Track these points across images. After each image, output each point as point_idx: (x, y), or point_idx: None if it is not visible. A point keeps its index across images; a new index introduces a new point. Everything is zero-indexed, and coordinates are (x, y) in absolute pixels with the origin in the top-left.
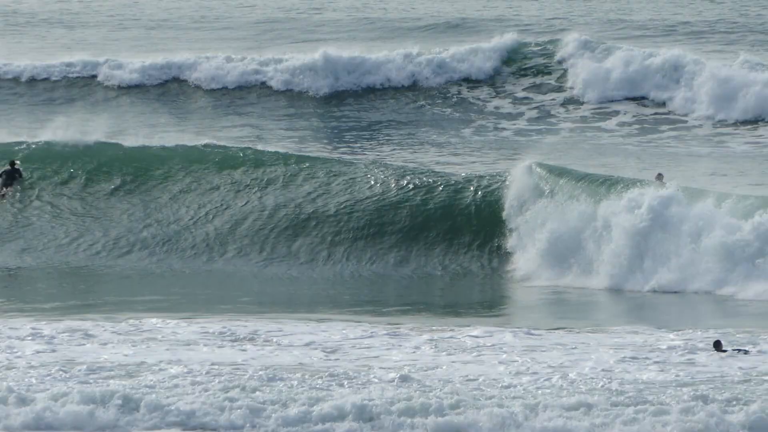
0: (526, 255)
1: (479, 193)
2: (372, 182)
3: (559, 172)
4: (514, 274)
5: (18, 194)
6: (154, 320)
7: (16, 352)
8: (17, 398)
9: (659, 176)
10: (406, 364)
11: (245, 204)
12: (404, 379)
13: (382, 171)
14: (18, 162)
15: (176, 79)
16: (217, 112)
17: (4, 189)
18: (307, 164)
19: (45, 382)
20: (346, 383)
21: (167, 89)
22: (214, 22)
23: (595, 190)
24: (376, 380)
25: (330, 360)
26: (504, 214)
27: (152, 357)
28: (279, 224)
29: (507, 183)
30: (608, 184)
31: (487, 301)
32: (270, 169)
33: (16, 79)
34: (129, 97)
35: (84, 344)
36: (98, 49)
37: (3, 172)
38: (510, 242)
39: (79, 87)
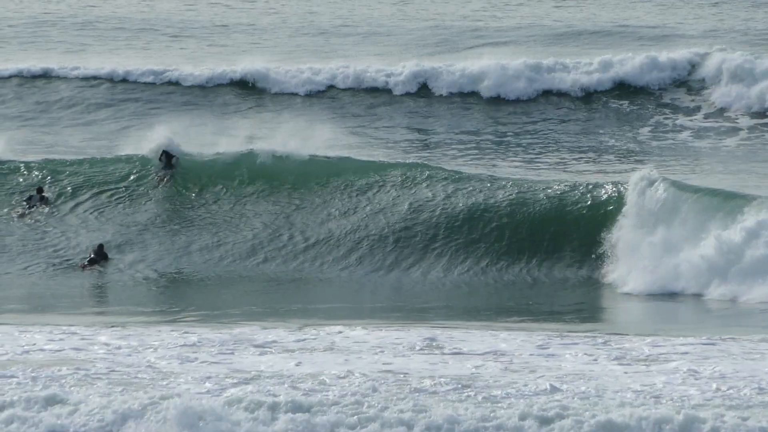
0: (671, 263)
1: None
2: (531, 190)
3: (678, 185)
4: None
5: (172, 179)
6: (331, 328)
7: (185, 361)
8: (187, 410)
9: None
10: (575, 374)
11: (412, 212)
12: (593, 389)
13: (538, 178)
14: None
15: (336, 86)
16: (382, 117)
17: (165, 172)
18: (460, 176)
19: (214, 393)
20: (515, 392)
21: (333, 95)
22: (392, 28)
23: (720, 204)
24: (546, 391)
25: (503, 369)
26: (634, 223)
27: (321, 366)
28: (448, 231)
29: (630, 192)
30: (726, 197)
31: (649, 309)
32: (427, 178)
33: (177, 84)
34: (295, 103)
35: (255, 353)
36: (273, 54)
37: (163, 153)
38: (647, 252)
39: (245, 93)
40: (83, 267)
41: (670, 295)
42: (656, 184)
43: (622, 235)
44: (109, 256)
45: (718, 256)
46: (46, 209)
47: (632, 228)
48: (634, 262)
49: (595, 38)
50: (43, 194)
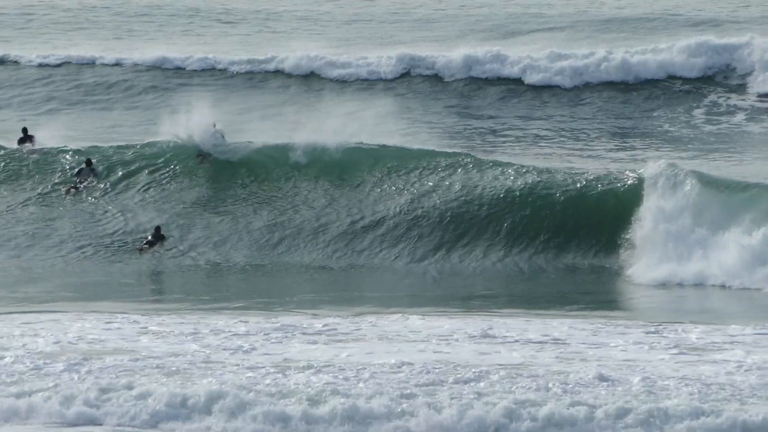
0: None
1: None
2: (581, 178)
3: (701, 176)
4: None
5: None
6: (386, 317)
7: (238, 351)
8: (234, 400)
9: None
10: (627, 362)
11: (466, 200)
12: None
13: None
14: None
15: (390, 73)
16: (432, 103)
17: (204, 153)
18: (510, 165)
19: (262, 383)
20: (566, 381)
21: (403, 83)
22: (452, 17)
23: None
24: (596, 379)
25: (554, 358)
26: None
27: (372, 356)
28: (501, 219)
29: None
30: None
31: (694, 298)
32: (476, 166)
33: (225, 71)
34: (347, 90)
35: (306, 341)
36: (327, 41)
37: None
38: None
39: (298, 81)
40: (141, 250)
41: (700, 286)
42: (677, 176)
43: (651, 225)
44: (166, 236)
45: (746, 248)
46: (95, 182)
47: (660, 219)
48: (658, 252)
49: (646, 24)
50: (92, 167)
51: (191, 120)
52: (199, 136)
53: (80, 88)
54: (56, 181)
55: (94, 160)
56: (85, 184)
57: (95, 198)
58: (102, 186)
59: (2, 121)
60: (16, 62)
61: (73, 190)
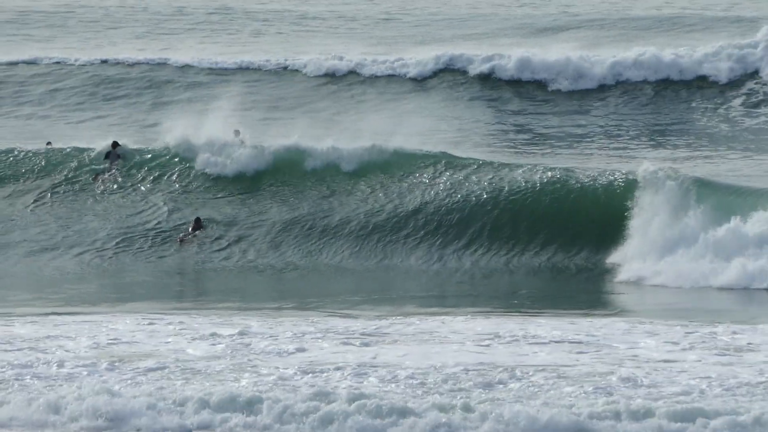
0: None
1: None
2: (614, 180)
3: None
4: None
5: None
6: (425, 318)
7: (273, 354)
8: (271, 405)
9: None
10: (664, 362)
11: (499, 202)
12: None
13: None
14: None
15: (449, 70)
16: (482, 104)
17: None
18: (541, 166)
19: (294, 385)
20: (602, 382)
21: (438, 81)
22: (488, 15)
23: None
24: (635, 380)
25: (592, 359)
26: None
27: (405, 358)
28: (535, 220)
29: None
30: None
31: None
32: (504, 169)
33: (259, 70)
34: (380, 90)
35: (338, 343)
36: (364, 39)
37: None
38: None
39: (334, 81)
40: (181, 241)
41: (735, 288)
42: (671, 180)
43: (676, 227)
44: (205, 225)
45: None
46: (123, 165)
47: (682, 220)
48: (690, 254)
49: (682, 21)
50: (118, 150)
51: (208, 129)
52: (215, 146)
53: (115, 86)
54: (85, 170)
55: (120, 143)
56: (114, 171)
57: (128, 189)
58: (135, 179)
59: (40, 118)
60: (52, 62)
61: (100, 180)
